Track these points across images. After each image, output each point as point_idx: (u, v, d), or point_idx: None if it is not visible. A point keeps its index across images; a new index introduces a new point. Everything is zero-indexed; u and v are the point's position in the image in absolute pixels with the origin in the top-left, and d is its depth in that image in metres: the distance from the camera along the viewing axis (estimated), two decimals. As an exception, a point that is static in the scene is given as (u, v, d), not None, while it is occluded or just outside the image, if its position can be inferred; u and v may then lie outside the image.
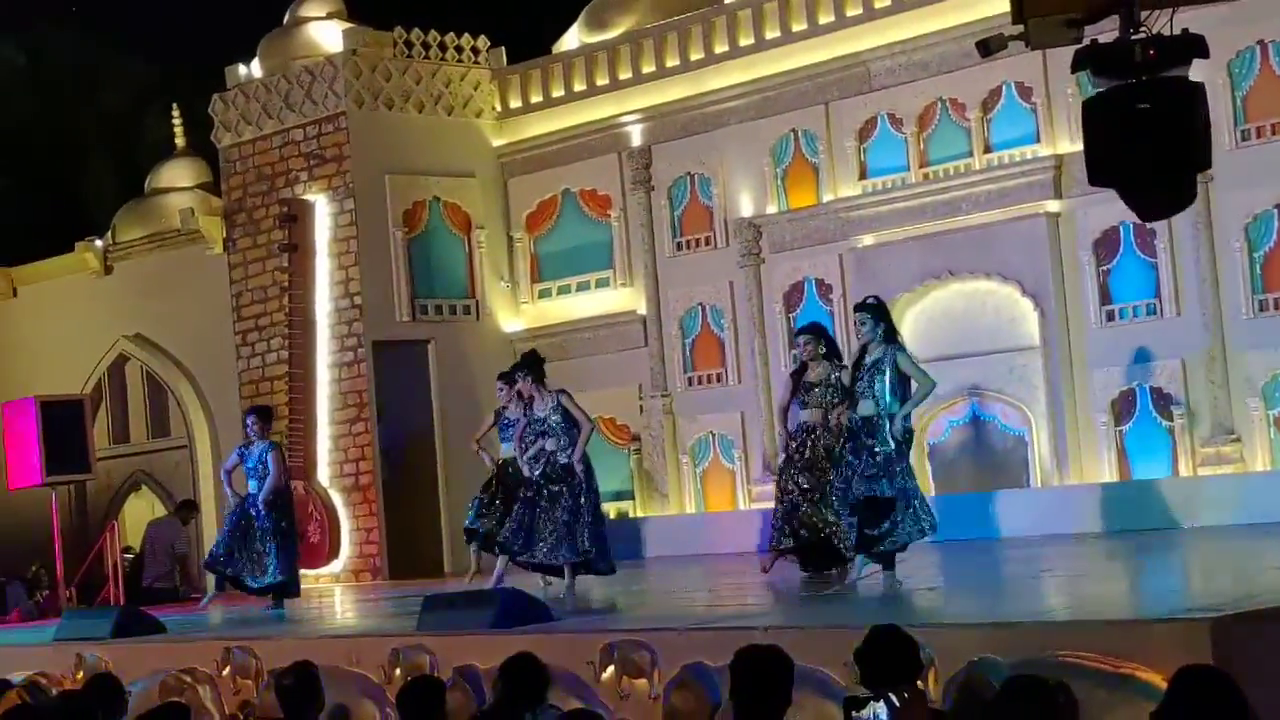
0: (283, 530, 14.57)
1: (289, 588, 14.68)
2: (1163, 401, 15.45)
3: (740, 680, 5.85)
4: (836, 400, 11.91)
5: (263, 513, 14.44)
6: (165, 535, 19.41)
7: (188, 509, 19.89)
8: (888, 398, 11.19)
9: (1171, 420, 15.38)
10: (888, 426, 11.12)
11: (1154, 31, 7.01)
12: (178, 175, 21.95)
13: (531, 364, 13.35)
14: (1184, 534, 14.15)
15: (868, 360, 11.29)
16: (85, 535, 20.80)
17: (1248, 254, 15.02)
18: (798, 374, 12.54)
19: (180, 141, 22.18)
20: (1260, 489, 14.47)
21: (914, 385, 11.32)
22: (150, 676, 11.07)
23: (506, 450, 14.01)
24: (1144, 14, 6.92)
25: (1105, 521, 14.96)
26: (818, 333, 12.60)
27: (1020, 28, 7.24)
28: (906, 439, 11.34)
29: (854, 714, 5.33)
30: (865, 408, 11.23)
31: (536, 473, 13.06)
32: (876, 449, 11.12)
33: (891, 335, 11.44)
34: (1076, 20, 6.91)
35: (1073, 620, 8.42)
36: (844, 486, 11.20)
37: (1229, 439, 15.02)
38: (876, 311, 11.43)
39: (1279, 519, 13.61)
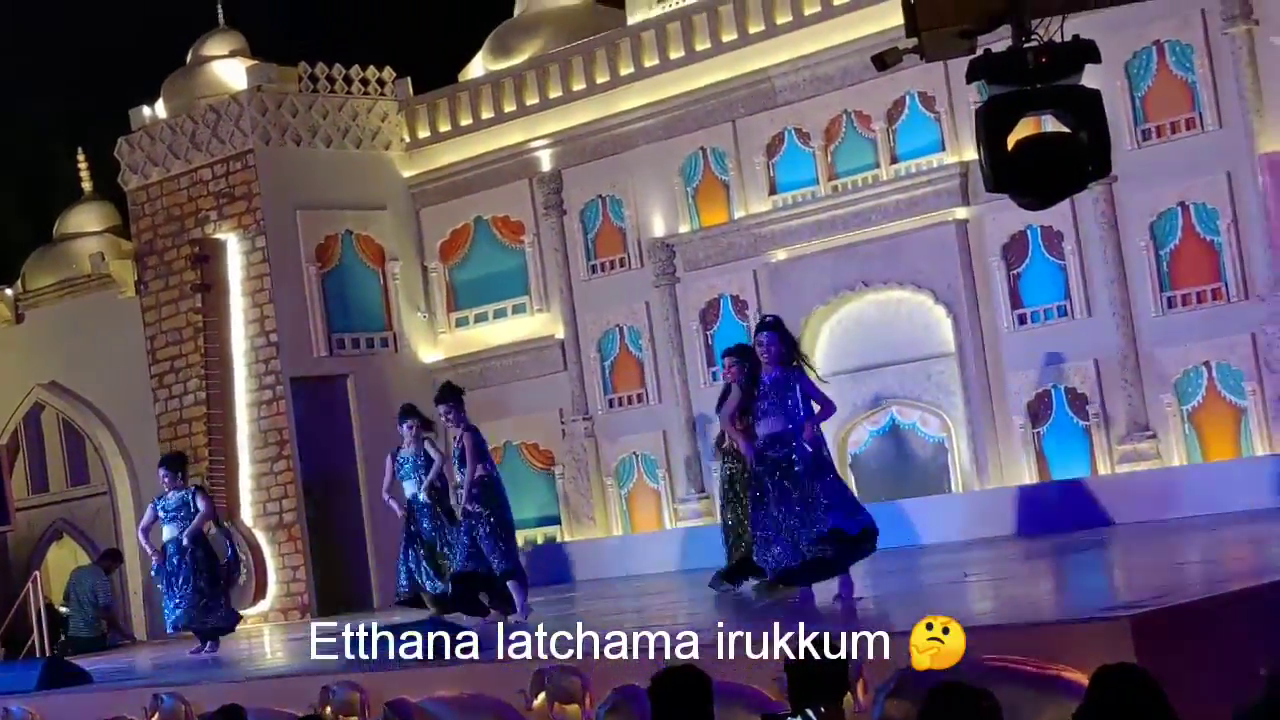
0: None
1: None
2: (1078, 402, 15.61)
3: (659, 703, 5.86)
4: None
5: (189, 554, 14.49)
6: (88, 584, 19.20)
7: (111, 558, 19.69)
8: (800, 414, 11.08)
9: (1088, 420, 15.55)
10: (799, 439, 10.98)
11: (1046, 38, 7.10)
12: (86, 220, 21.74)
13: (453, 394, 13.24)
14: (1105, 532, 14.29)
15: (767, 379, 10.98)
16: (7, 586, 20.54)
17: (1154, 252, 15.22)
18: (724, 396, 12.43)
19: (87, 186, 21.96)
20: (1178, 484, 14.65)
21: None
22: (78, 728, 10.97)
23: (409, 489, 13.83)
24: (1035, 22, 7.01)
25: (1027, 523, 15.10)
26: (741, 355, 12.49)
27: (915, 40, 7.32)
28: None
29: (774, 731, 5.35)
30: (774, 424, 10.96)
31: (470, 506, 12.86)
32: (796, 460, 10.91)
33: (794, 354, 11.19)
34: (969, 31, 6.99)
35: (997, 624, 8.49)
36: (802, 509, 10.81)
37: (1145, 436, 15.20)
38: (778, 330, 11.12)
39: (1197, 513, 13.79)
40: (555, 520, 18.87)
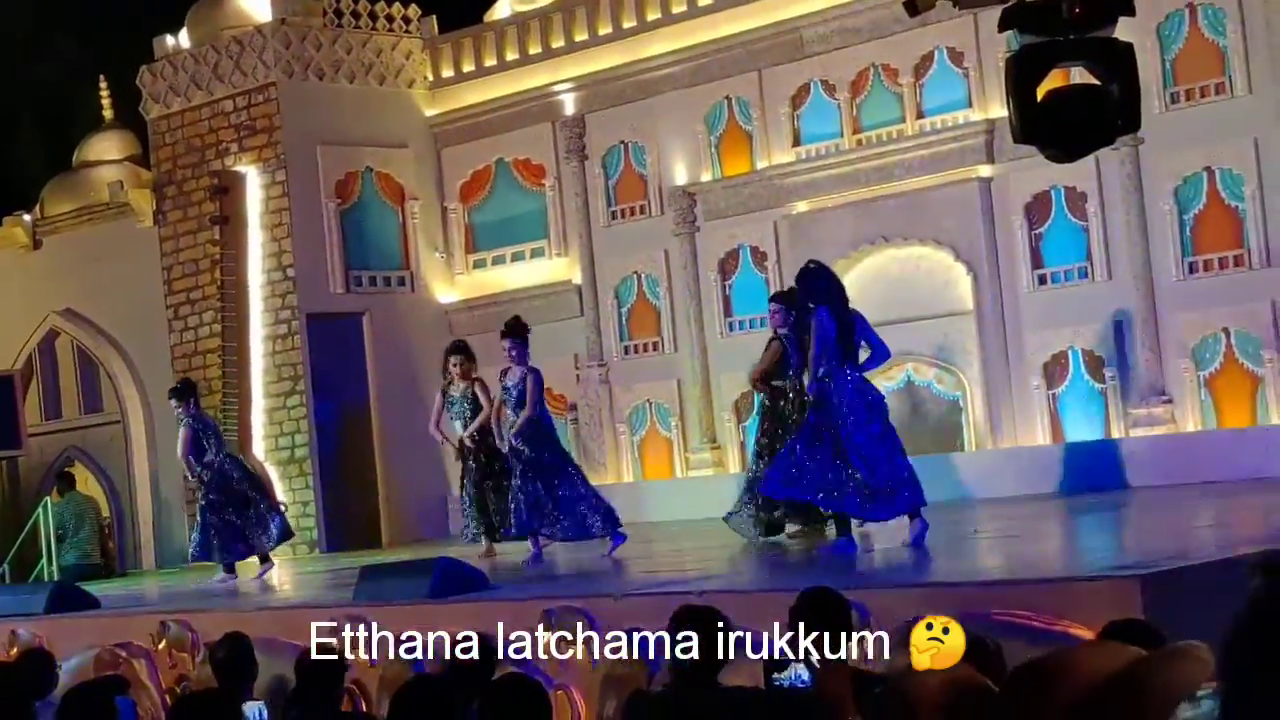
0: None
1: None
2: (1095, 364, 15.55)
3: (673, 637, 5.78)
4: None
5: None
6: (87, 510, 19.43)
7: (67, 480, 19.95)
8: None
9: (1103, 382, 15.49)
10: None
11: (1080, -9, 6.99)
12: (106, 148, 21.70)
13: (519, 330, 13.35)
14: (1116, 495, 14.26)
15: (856, 318, 11.16)
16: (18, 511, 20.61)
17: (1177, 216, 15.13)
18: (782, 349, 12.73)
19: (108, 114, 21.91)
20: (1191, 450, 14.61)
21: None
22: (84, 651, 10.99)
23: (456, 430, 14.00)
24: (1071, -27, 6.91)
25: (1039, 484, 15.06)
26: (787, 300, 12.72)
27: (948, -12, 7.23)
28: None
29: (774, 676, 5.31)
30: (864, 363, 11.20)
31: (517, 442, 13.05)
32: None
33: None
34: (1004, -20, 6.89)
35: (1006, 579, 8.48)
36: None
37: (1160, 400, 15.14)
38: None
39: (1210, 479, 13.76)
40: (566, 465, 18.83)
